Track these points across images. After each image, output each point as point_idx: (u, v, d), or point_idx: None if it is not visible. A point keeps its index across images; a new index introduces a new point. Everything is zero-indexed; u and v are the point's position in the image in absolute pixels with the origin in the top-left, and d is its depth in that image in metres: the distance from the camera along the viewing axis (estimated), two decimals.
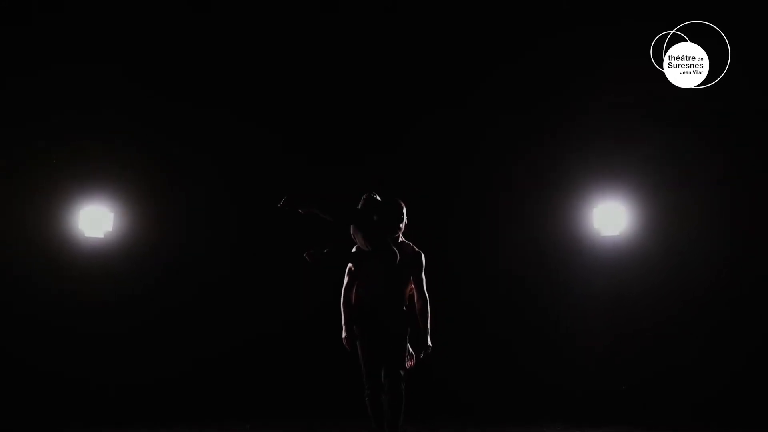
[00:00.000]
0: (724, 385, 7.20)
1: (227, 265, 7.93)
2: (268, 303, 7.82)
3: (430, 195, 7.56)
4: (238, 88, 7.97)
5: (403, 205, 4.97)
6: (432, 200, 7.54)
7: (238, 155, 7.98)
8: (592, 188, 7.76)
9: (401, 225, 4.94)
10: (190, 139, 7.99)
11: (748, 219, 7.53)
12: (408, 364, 4.87)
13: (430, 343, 4.84)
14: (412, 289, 4.92)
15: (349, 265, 4.97)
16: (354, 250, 4.95)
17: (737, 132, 7.48)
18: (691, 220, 7.57)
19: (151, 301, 7.75)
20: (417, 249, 4.96)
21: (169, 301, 7.78)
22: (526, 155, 7.97)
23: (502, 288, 7.85)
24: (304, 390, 7.57)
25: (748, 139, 7.57)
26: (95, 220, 7.64)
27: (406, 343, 4.87)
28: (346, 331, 4.92)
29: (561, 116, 7.88)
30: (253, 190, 7.84)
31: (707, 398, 7.12)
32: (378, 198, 4.95)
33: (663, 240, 7.62)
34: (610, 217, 7.64)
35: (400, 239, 4.96)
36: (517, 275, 7.83)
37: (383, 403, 4.83)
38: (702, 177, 7.63)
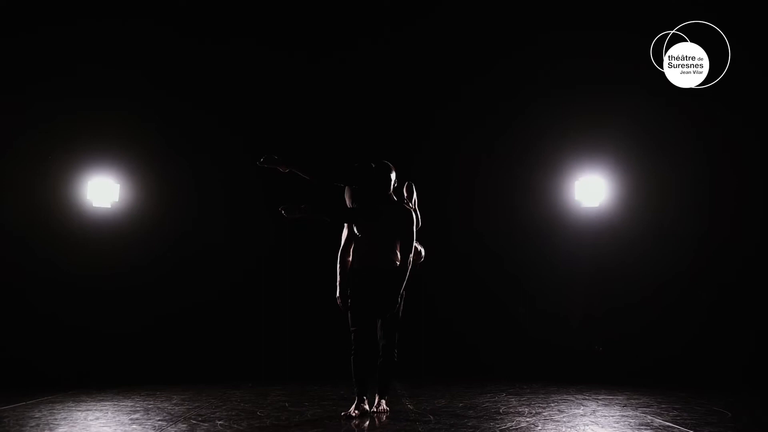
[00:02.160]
0: (702, 348, 7.46)
1: (233, 234, 8.18)
2: (271, 271, 8.10)
3: (412, 169, 7.75)
4: (242, 54, 8.15)
5: (391, 167, 5.16)
6: (414, 174, 7.72)
7: (245, 125, 8.13)
8: (575, 161, 7.99)
9: (390, 187, 5.13)
10: (195, 110, 8.15)
11: (726, 191, 7.74)
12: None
13: (403, 293, 4.98)
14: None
15: (344, 229, 5.18)
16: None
17: (718, 106, 7.56)
18: (667, 191, 7.82)
19: (156, 268, 8.01)
20: (408, 207, 5.12)
21: (174, 268, 8.05)
22: (511, 127, 8.20)
23: (485, 256, 8.12)
24: (300, 355, 7.89)
25: (729, 111, 7.65)
26: (102, 190, 7.90)
27: (400, 301, 5.02)
28: (340, 291, 5.15)
29: (545, 90, 8.05)
30: (261, 160, 8.05)
31: (686, 362, 7.37)
32: (371, 164, 5.12)
33: (640, 211, 7.89)
34: (591, 189, 7.92)
35: (394, 199, 5.14)
36: (502, 242, 8.12)
37: (378, 365, 5.08)
38: (680, 150, 7.82)
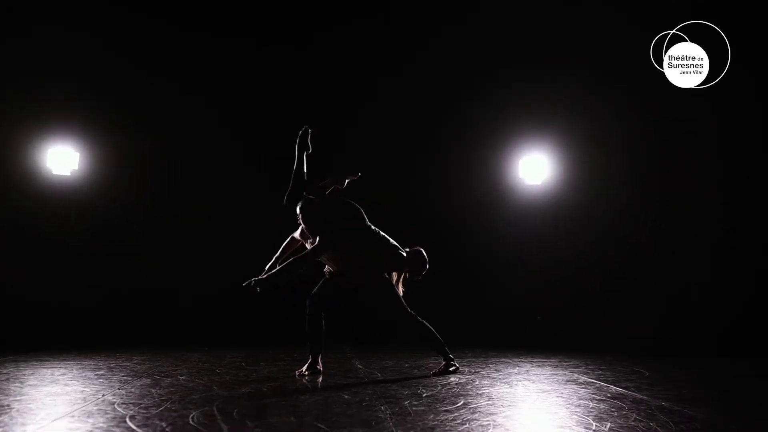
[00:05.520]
0: (639, 319, 7.97)
1: (187, 201, 8.41)
2: (225, 237, 8.34)
3: (359, 148, 8.04)
4: (204, 28, 8.37)
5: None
6: (362, 153, 7.99)
7: (202, 93, 8.33)
8: (519, 140, 8.40)
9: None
10: (153, 78, 8.32)
11: (662, 169, 8.20)
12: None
13: (263, 277, 5.05)
14: (355, 249, 5.27)
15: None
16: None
17: (659, 85, 7.69)
18: (606, 170, 8.29)
19: (114, 234, 8.26)
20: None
21: (131, 233, 8.30)
22: (458, 108, 8.52)
23: (434, 231, 8.34)
24: (256, 322, 8.12)
25: (668, 93, 7.78)
26: (62, 158, 8.07)
27: (391, 288, 5.36)
28: (268, 277, 5.10)
29: (493, 70, 8.36)
30: (218, 128, 8.32)
31: (624, 331, 7.86)
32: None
33: (580, 188, 8.37)
34: (534, 168, 8.41)
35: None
36: (448, 220, 8.49)
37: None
38: (622, 131, 8.25)
